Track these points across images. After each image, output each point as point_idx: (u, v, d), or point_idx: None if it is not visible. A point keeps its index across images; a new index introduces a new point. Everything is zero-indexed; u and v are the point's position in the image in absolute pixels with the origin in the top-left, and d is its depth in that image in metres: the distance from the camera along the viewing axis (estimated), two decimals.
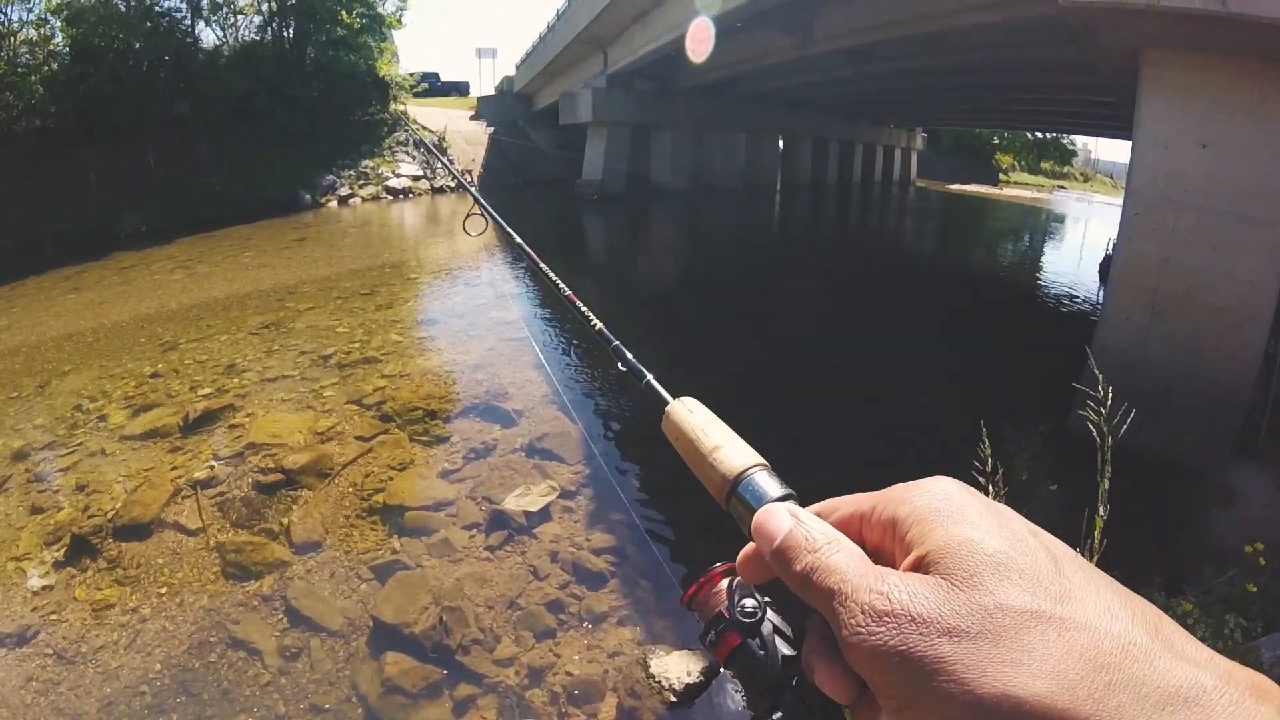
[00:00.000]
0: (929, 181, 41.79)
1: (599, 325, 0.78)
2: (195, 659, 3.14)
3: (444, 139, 24.85)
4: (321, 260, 12.40)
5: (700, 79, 20.51)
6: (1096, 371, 2.14)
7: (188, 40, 20.22)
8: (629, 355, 0.68)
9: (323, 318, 8.33)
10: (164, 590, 3.61)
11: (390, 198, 21.20)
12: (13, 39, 17.18)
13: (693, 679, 3.00)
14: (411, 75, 26.45)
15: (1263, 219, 4.67)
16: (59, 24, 17.67)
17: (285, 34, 22.06)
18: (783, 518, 0.34)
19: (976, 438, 2.31)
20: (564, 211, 21.25)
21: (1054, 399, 5.05)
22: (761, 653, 0.36)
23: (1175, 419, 4.67)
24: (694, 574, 0.43)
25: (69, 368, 7.00)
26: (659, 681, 3.01)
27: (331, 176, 20.56)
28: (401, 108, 24.79)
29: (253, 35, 21.90)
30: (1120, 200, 6.25)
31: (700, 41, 14.78)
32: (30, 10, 17.43)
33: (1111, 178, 57.01)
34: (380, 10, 23.66)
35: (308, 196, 19.55)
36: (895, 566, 0.30)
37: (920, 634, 0.26)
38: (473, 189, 1.67)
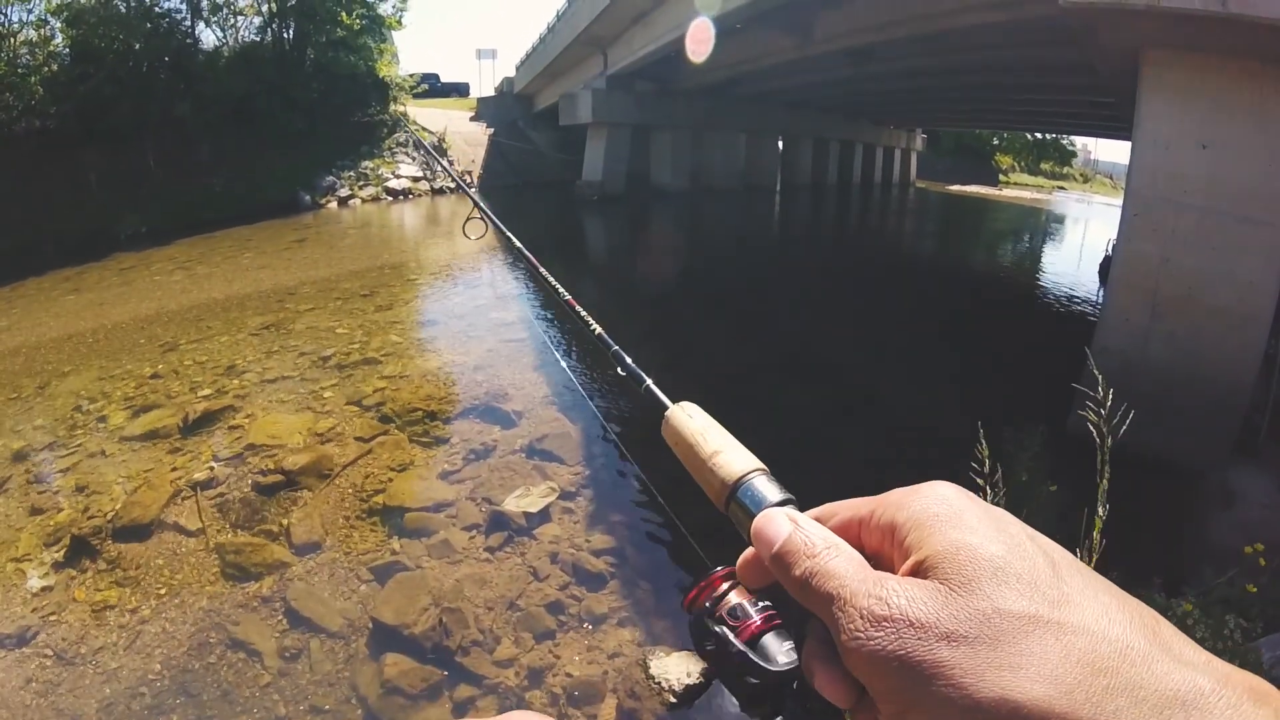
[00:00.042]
0: (929, 182, 41.81)
1: (599, 330, 0.78)
2: (195, 660, 3.14)
3: (444, 140, 24.85)
4: (321, 261, 12.40)
5: (700, 80, 20.51)
6: (1096, 372, 2.14)
7: (188, 41, 20.23)
8: (628, 360, 0.68)
9: (322, 319, 8.33)
10: (164, 591, 3.61)
11: (390, 199, 21.20)
12: (13, 40, 17.19)
13: (692, 680, 3.00)
14: (411, 76, 26.43)
15: (1263, 220, 4.67)
16: (59, 25, 17.69)
17: (285, 35, 22.07)
18: (782, 523, 0.34)
19: (976, 439, 2.31)
20: (564, 212, 21.26)
21: (1054, 400, 5.05)
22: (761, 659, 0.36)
23: (1175, 420, 4.67)
24: (694, 577, 0.43)
25: (69, 368, 7.00)
26: (659, 683, 3.01)
27: (331, 178, 20.56)
28: (401, 109, 24.79)
29: (253, 36, 21.93)
30: (1120, 201, 6.25)
31: (700, 42, 14.79)
32: (30, 11, 17.46)
33: (1111, 178, 57.02)
34: (380, 11, 23.67)
35: (307, 198, 19.56)
36: (894, 571, 0.30)
37: (919, 639, 0.26)
38: (472, 192, 1.67)
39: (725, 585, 0.41)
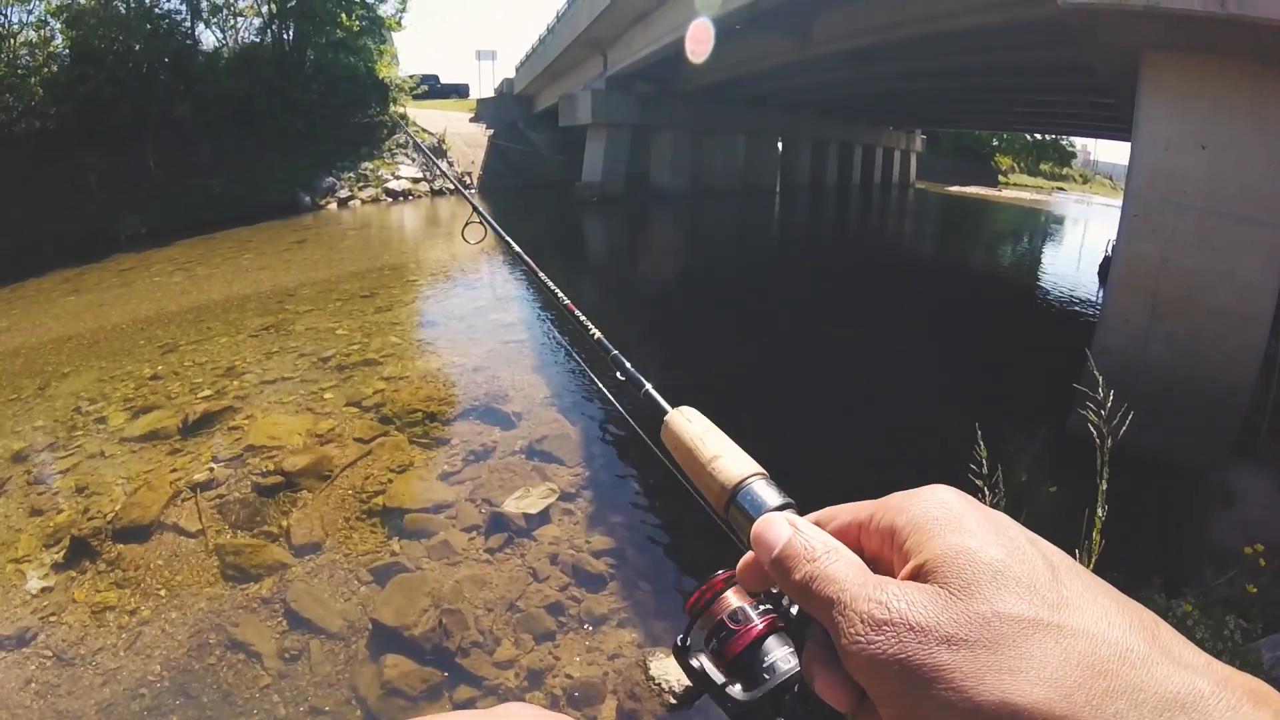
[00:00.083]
0: (928, 183, 41.84)
1: (598, 334, 0.78)
2: (195, 661, 3.14)
3: (444, 141, 24.87)
4: (321, 262, 12.41)
5: (700, 81, 20.53)
6: (1097, 373, 2.15)
7: (188, 42, 20.25)
8: (627, 364, 0.68)
9: (322, 320, 8.34)
10: (163, 592, 3.61)
11: (390, 200, 21.22)
12: (13, 41, 17.21)
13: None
14: (411, 77, 26.47)
15: (1262, 220, 4.68)
16: (59, 26, 17.72)
17: (285, 36, 22.09)
18: (781, 527, 0.34)
19: (976, 439, 2.31)
20: (564, 213, 21.28)
21: (1054, 400, 5.05)
22: (764, 662, 0.37)
23: (1175, 420, 4.67)
24: (694, 578, 0.43)
25: (68, 369, 7.00)
26: (659, 684, 3.01)
27: (331, 179, 20.57)
28: (401, 110, 24.82)
29: (252, 37, 21.95)
30: (1119, 202, 6.26)
31: (700, 42, 14.80)
32: (30, 12, 17.49)
33: (1111, 179, 57.06)
34: (380, 13, 23.69)
35: (307, 199, 19.57)
36: (894, 575, 0.30)
37: (919, 642, 0.26)
38: (471, 195, 1.67)
39: (726, 589, 0.41)
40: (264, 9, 21.56)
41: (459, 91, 38.11)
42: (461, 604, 3.48)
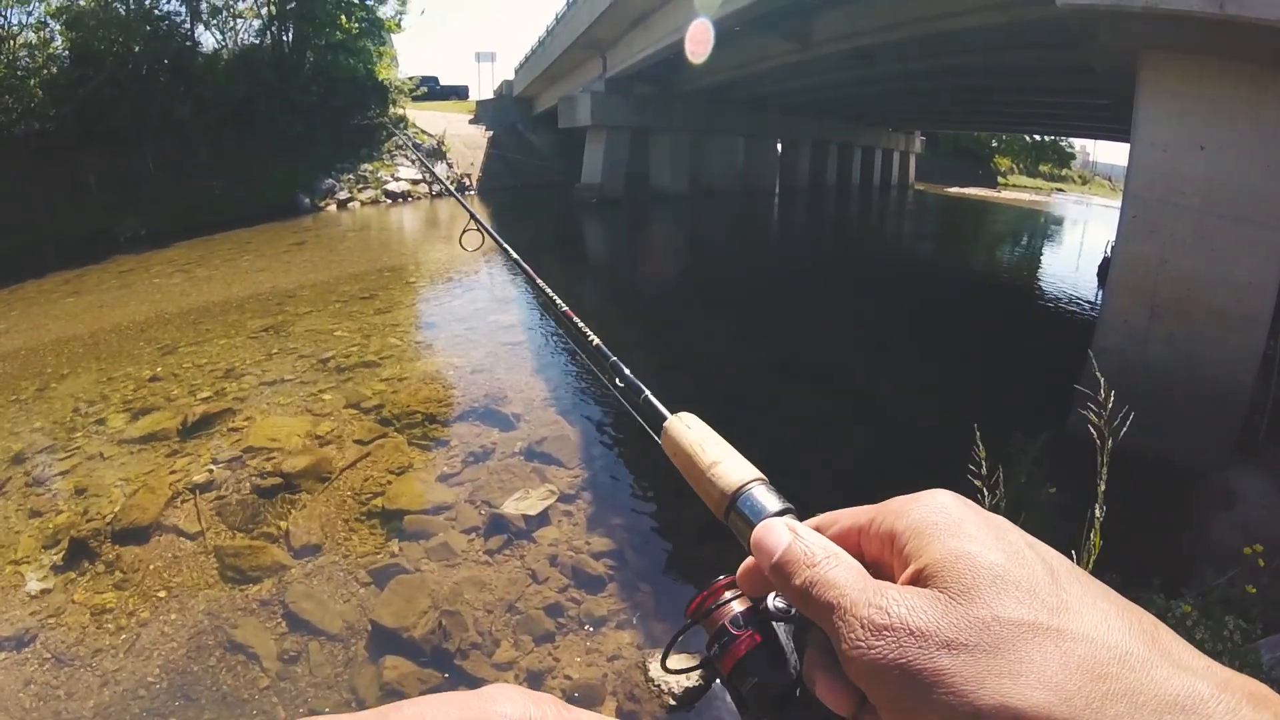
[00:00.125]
0: (928, 184, 41.87)
1: (596, 341, 0.78)
2: (194, 662, 3.14)
3: (443, 143, 24.88)
4: (320, 264, 12.41)
5: (699, 83, 20.54)
6: (1098, 374, 2.15)
7: (187, 44, 20.26)
8: (626, 371, 0.68)
9: (322, 321, 8.34)
10: (163, 594, 3.60)
11: (389, 201, 21.22)
12: (12, 42, 17.21)
13: (692, 683, 3.00)
14: (411, 79, 26.49)
15: (1260, 221, 4.68)
16: (58, 27, 17.71)
17: (284, 38, 22.10)
18: (781, 532, 0.35)
19: (975, 441, 2.31)
20: (563, 215, 21.29)
21: (1053, 401, 5.06)
22: (765, 666, 0.37)
23: (1174, 421, 4.67)
24: (694, 579, 0.43)
25: (68, 371, 7.00)
26: (658, 685, 3.01)
27: (330, 180, 20.57)
28: (401, 111, 24.83)
29: (252, 39, 21.96)
30: (1118, 203, 6.26)
31: (699, 43, 14.80)
32: (30, 14, 17.49)
33: (1110, 180, 57.15)
34: (379, 14, 23.72)
35: (306, 200, 19.57)
36: (894, 579, 0.31)
37: (919, 647, 0.26)
38: (469, 202, 1.67)
39: (727, 594, 0.41)
40: (263, 11, 21.58)
41: (458, 93, 38.15)
42: (461, 605, 3.47)
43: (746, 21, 13.77)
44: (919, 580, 0.29)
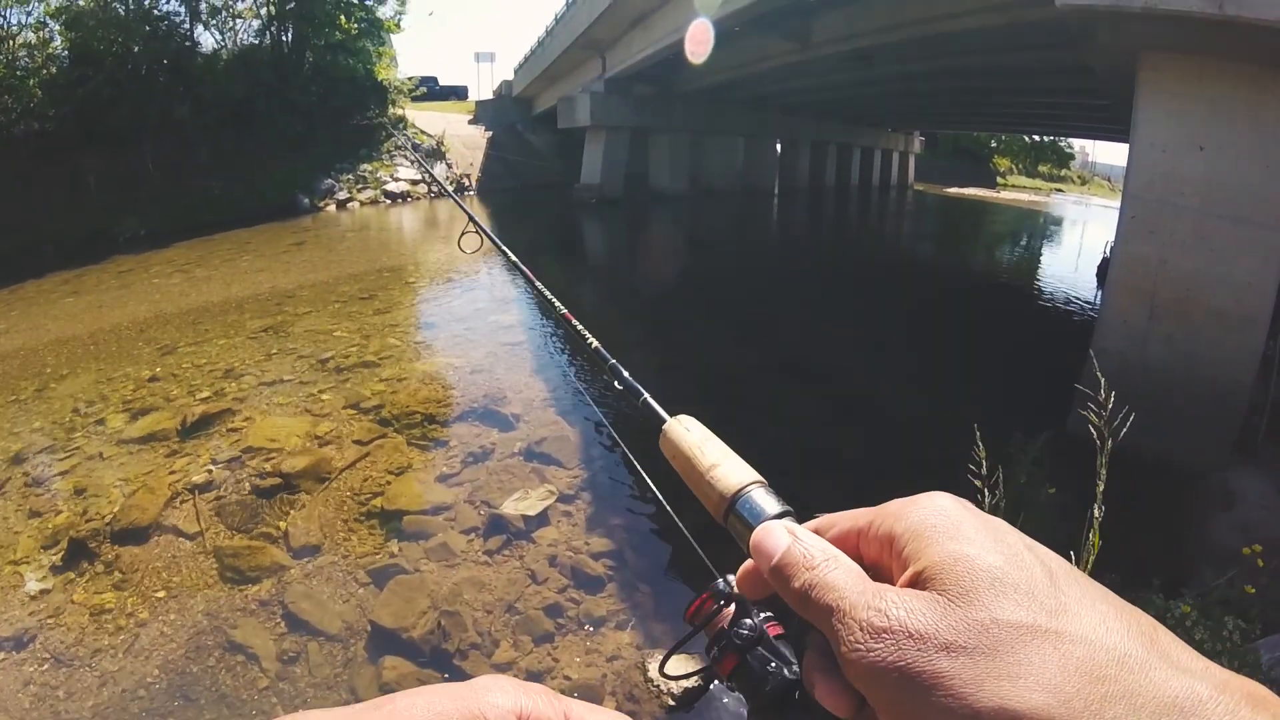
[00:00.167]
0: (927, 185, 41.88)
1: (595, 343, 0.78)
2: (193, 663, 3.14)
3: (442, 143, 24.88)
4: (320, 264, 12.40)
5: (699, 83, 20.55)
6: (1099, 375, 2.15)
7: (186, 44, 20.25)
8: (625, 373, 0.68)
9: (321, 322, 8.33)
10: (162, 594, 3.60)
11: (388, 202, 21.21)
12: (12, 42, 17.20)
13: (691, 683, 3.00)
14: (410, 79, 26.48)
15: (1260, 221, 4.68)
16: (58, 28, 17.71)
17: (284, 38, 22.09)
18: (780, 535, 0.35)
19: (975, 441, 2.31)
20: (562, 215, 21.29)
21: (1053, 401, 5.06)
22: (765, 669, 0.37)
23: (1174, 421, 4.67)
24: (694, 581, 0.43)
25: (67, 371, 7.00)
26: (658, 685, 3.00)
27: (330, 181, 20.57)
28: (400, 112, 24.83)
29: (251, 39, 21.96)
30: (1117, 203, 6.27)
31: (699, 43, 14.80)
32: (29, 14, 17.49)
33: (1109, 180, 57.15)
34: (379, 15, 23.71)
35: (306, 201, 19.56)
36: (893, 582, 0.31)
37: (918, 650, 0.26)
38: (468, 203, 1.67)
39: (726, 597, 0.41)
40: (263, 11, 21.58)
41: (458, 93, 38.15)
42: (460, 606, 3.47)
43: (746, 22, 13.77)
44: (918, 583, 0.29)
